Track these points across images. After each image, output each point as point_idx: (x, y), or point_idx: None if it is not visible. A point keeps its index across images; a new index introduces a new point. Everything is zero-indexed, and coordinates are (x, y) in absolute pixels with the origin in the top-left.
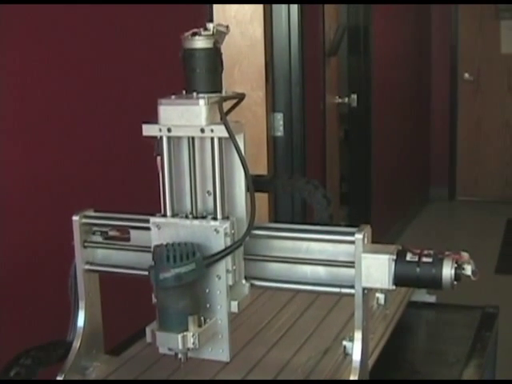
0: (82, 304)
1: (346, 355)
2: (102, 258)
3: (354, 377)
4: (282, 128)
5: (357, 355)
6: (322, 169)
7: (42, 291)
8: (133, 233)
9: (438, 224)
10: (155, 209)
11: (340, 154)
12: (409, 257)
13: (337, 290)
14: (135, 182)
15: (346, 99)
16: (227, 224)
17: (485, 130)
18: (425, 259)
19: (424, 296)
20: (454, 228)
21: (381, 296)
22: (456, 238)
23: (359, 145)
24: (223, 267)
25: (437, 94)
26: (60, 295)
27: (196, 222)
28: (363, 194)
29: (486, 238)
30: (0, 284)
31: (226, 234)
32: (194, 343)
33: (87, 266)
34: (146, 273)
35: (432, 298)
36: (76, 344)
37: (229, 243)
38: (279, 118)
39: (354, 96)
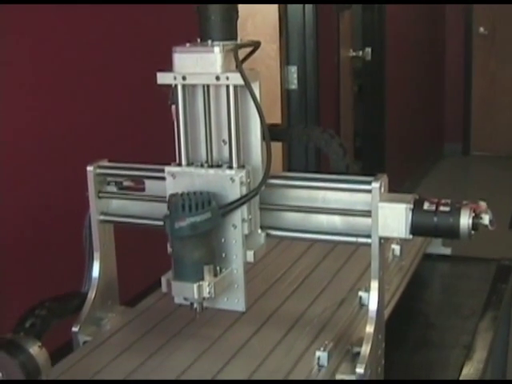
0: (96, 255)
1: (362, 306)
2: (116, 208)
3: (370, 327)
4: (295, 81)
5: (373, 305)
6: (335, 123)
7: (57, 243)
8: (147, 183)
9: (452, 179)
10: (170, 160)
11: (354, 108)
12: (426, 206)
13: (353, 239)
14: (150, 133)
15: (360, 53)
16: (243, 173)
17: (499, 84)
18: (442, 208)
19: (439, 248)
20: (468, 183)
21: (396, 247)
22: (470, 193)
23: (373, 99)
24: (239, 216)
25: (451, 49)
26: (75, 247)
27: (211, 171)
28: (377, 149)
29: (500, 193)
30: (15, 236)
31: (241, 183)
32: (209, 293)
33: (102, 217)
34: (161, 223)
35: (447, 251)
36: (91, 295)
37: (244, 192)
38: (293, 71)
39: (369, 49)
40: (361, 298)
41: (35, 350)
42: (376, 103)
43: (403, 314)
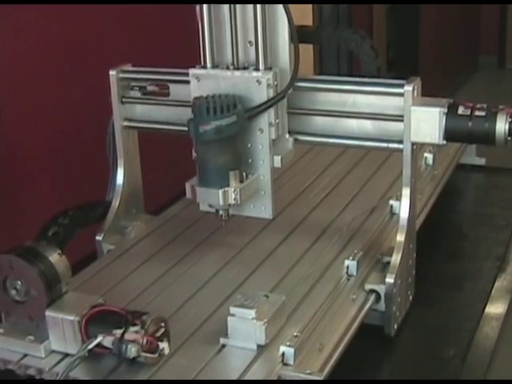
0: (120, 162)
1: (393, 215)
2: (140, 114)
3: (400, 236)
4: None
5: (404, 213)
6: (368, 32)
7: (81, 151)
8: (172, 87)
9: (487, 92)
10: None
11: (387, 18)
12: (461, 110)
13: (384, 145)
14: (174, 36)
15: None
16: (270, 75)
17: None
18: (477, 113)
19: (473, 159)
20: (503, 96)
21: (429, 156)
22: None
23: (407, 9)
24: (265, 120)
25: None
26: (99, 155)
27: (237, 73)
28: (410, 61)
29: None
30: (38, 144)
31: (268, 86)
32: (235, 199)
33: (125, 123)
34: (187, 129)
35: (481, 161)
36: (115, 203)
37: (271, 95)
38: None
39: None
40: (392, 206)
41: (55, 257)
42: (410, 13)
43: (435, 225)
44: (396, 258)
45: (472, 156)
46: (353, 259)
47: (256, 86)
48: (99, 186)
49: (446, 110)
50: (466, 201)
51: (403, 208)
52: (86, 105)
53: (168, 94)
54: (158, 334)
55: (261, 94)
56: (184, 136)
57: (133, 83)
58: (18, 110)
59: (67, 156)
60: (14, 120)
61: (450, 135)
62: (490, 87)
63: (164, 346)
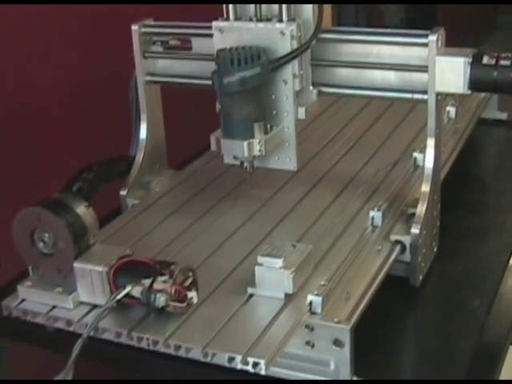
0: (143, 116)
1: (417, 168)
2: (162, 68)
3: (425, 186)
4: None
5: (429, 163)
6: None
7: (104, 106)
8: (194, 41)
9: (506, 51)
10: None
11: None
12: (485, 60)
13: (408, 95)
14: None
15: None
16: (293, 26)
17: None
18: (503, 62)
19: (495, 113)
20: None
21: (452, 110)
22: None
23: None
24: (290, 72)
25: None
26: (122, 110)
27: (260, 25)
28: (427, 19)
29: None
30: (62, 99)
31: (292, 37)
32: (260, 150)
33: (148, 78)
34: (209, 82)
35: (503, 115)
36: (138, 157)
37: (295, 46)
38: None
39: None
40: (415, 159)
41: (82, 209)
42: None
43: (458, 178)
44: (421, 209)
45: (494, 110)
46: (378, 210)
47: (280, 37)
48: (123, 142)
49: (470, 60)
50: (488, 155)
51: (428, 158)
52: (109, 59)
53: (190, 48)
54: (187, 283)
55: (284, 46)
56: (205, 90)
57: (155, 38)
58: (42, 67)
59: (90, 111)
60: (38, 78)
61: (474, 85)
62: (508, 47)
63: (192, 295)
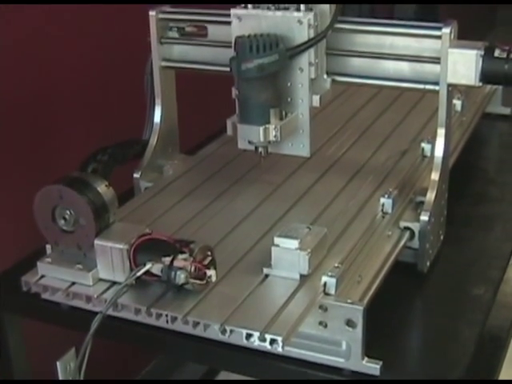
0: (158, 101)
1: (424, 157)
2: (178, 54)
3: (435, 175)
4: None
5: (439, 152)
6: None
7: (119, 90)
8: (210, 28)
9: None
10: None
11: None
12: (497, 53)
13: (420, 86)
14: None
15: None
16: (311, 15)
17: None
18: None
19: (499, 108)
20: None
21: (458, 102)
22: None
23: None
24: (306, 59)
25: None
26: (136, 94)
27: (279, 13)
28: (428, 14)
29: None
30: (77, 81)
31: (309, 26)
32: (275, 136)
33: (163, 63)
34: (223, 69)
35: (506, 110)
36: (152, 141)
37: (312, 35)
38: None
39: None
40: (423, 149)
41: (102, 188)
42: None
43: (463, 170)
44: (430, 197)
45: (497, 105)
46: (388, 197)
47: (297, 25)
48: (137, 125)
49: (482, 53)
50: (492, 147)
51: (438, 148)
52: (125, 44)
53: (206, 35)
54: (206, 261)
55: (302, 34)
56: (218, 76)
57: (171, 24)
58: (58, 53)
59: (105, 95)
60: (56, 64)
61: (485, 77)
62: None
63: (211, 273)
